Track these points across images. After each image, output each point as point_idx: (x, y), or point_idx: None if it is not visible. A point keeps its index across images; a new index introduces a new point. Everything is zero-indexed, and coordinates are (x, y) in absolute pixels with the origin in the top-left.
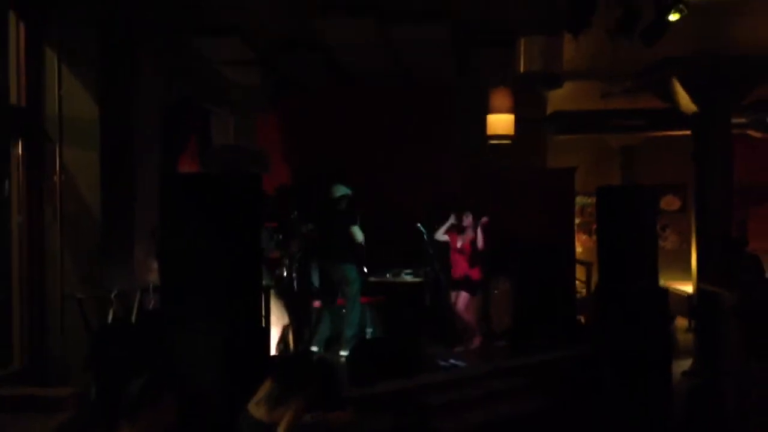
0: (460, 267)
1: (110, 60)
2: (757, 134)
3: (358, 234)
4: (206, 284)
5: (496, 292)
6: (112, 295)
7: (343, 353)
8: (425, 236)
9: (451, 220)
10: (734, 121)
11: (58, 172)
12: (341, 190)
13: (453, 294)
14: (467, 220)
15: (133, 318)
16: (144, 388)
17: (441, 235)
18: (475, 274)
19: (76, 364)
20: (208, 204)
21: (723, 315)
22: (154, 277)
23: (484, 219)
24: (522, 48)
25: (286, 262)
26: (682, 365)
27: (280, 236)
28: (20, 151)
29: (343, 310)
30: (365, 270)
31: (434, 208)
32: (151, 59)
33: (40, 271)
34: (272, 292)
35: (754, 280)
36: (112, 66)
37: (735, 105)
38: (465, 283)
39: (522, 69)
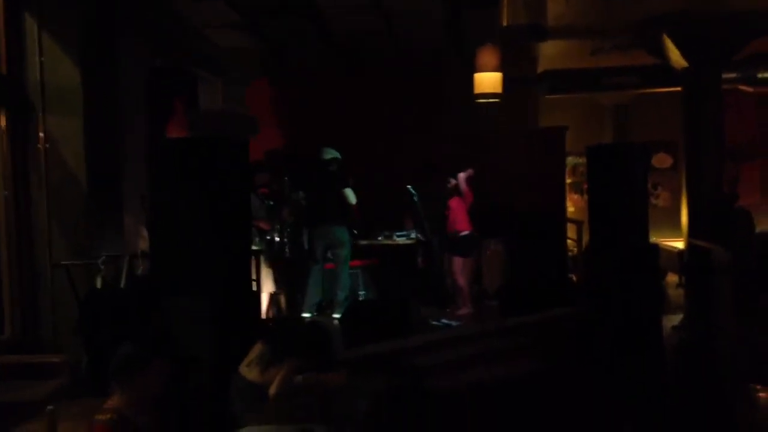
0: (449, 224)
1: (91, 25)
2: (749, 89)
3: (351, 196)
4: (196, 249)
5: (488, 252)
6: (100, 262)
7: (336, 316)
8: (415, 198)
9: (469, 172)
10: (725, 76)
11: (42, 141)
12: (330, 153)
13: (446, 256)
14: (454, 182)
15: (122, 283)
16: (133, 352)
17: (463, 176)
18: (463, 227)
19: (66, 331)
20: (196, 169)
21: (713, 270)
22: (143, 244)
23: (468, 172)
24: (505, 1)
25: (278, 227)
26: (672, 320)
27: (271, 203)
28: (3, 121)
29: (335, 273)
30: (355, 233)
31: (424, 170)
32: (133, 23)
33: (28, 240)
34: (263, 257)
35: (744, 235)
36: (93, 32)
37: (726, 60)
38: (455, 241)
39: (506, 22)
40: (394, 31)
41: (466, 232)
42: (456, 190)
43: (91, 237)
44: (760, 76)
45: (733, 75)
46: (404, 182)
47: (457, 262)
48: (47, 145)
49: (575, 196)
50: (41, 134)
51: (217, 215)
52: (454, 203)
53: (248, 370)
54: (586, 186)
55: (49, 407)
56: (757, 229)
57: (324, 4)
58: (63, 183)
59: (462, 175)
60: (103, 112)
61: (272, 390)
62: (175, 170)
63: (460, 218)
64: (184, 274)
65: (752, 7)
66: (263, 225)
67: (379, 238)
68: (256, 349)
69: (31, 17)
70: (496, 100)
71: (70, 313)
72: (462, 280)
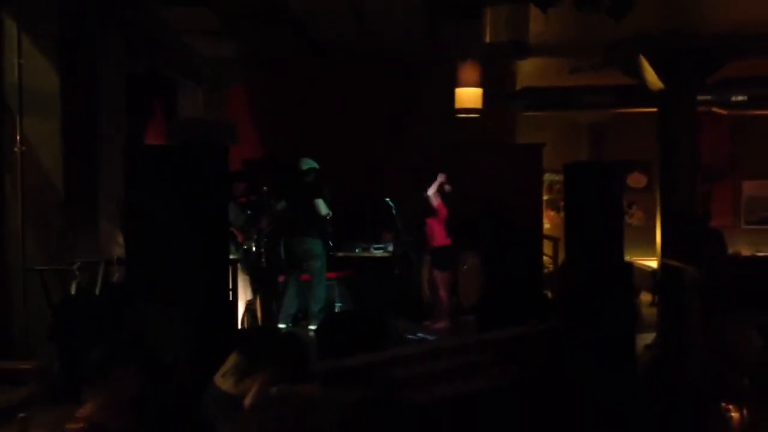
0: (428, 237)
1: (71, 29)
2: (722, 111)
3: (323, 208)
4: (172, 257)
5: (465, 267)
6: (75, 268)
7: (311, 327)
8: (394, 211)
9: (440, 179)
10: (699, 98)
11: (18, 145)
12: (308, 164)
13: (424, 269)
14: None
15: (97, 290)
16: (104, 358)
17: (431, 193)
18: (442, 240)
19: (39, 338)
20: (174, 176)
21: (684, 290)
22: (119, 250)
23: (439, 179)
24: (488, 18)
25: (255, 236)
26: (645, 338)
27: (249, 212)
28: None
29: (310, 285)
30: (330, 244)
31: (402, 182)
32: (113, 28)
33: (1, 245)
34: (239, 266)
35: (716, 255)
36: (73, 35)
37: (701, 83)
38: (436, 254)
39: (488, 39)
40: (375, 40)
41: (444, 245)
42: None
43: (66, 242)
44: (733, 99)
45: (707, 97)
46: (382, 193)
47: (438, 275)
48: (23, 149)
49: (551, 213)
50: (18, 137)
51: (194, 222)
52: (430, 218)
53: (223, 381)
54: (562, 203)
55: (21, 414)
56: (729, 250)
57: (304, 12)
58: (38, 187)
59: (430, 191)
60: (81, 116)
61: (247, 401)
62: (152, 176)
63: (437, 232)
64: (160, 281)
65: (727, 30)
66: (239, 235)
67: (357, 250)
68: (232, 359)
69: (10, 18)
70: (476, 115)
71: (43, 319)
72: (443, 294)
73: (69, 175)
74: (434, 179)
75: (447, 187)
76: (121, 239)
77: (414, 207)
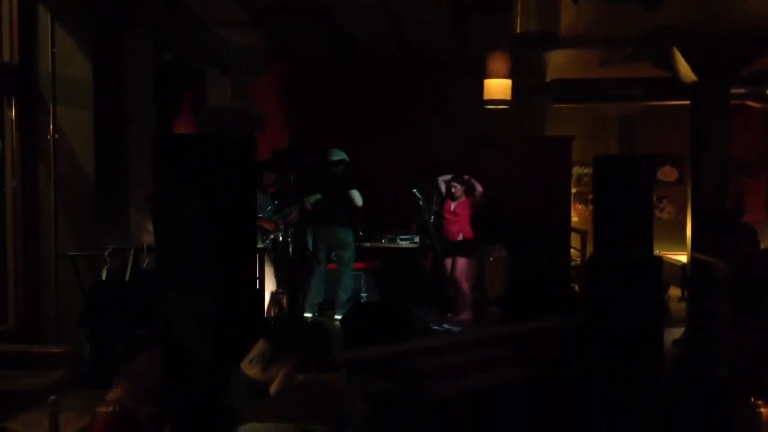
0: (454, 229)
1: (101, 19)
2: (757, 105)
3: (358, 198)
4: (200, 246)
5: (491, 259)
6: (106, 254)
7: (338, 317)
8: (421, 202)
9: (444, 179)
10: (733, 91)
11: (51, 133)
12: (338, 155)
13: (448, 261)
14: (458, 189)
15: (127, 276)
16: (130, 344)
17: (441, 183)
18: (468, 233)
19: (70, 323)
20: (202, 165)
21: (714, 285)
22: (149, 238)
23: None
24: (519, 8)
25: (282, 226)
26: (674, 333)
27: (276, 202)
28: (13, 112)
29: (338, 275)
30: (360, 234)
31: (430, 174)
32: (142, 18)
33: (34, 231)
34: (266, 256)
35: (748, 250)
36: (103, 25)
37: (734, 75)
38: (460, 246)
39: (519, 29)
40: (402, 32)
41: (466, 239)
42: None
43: (97, 229)
44: None
45: (741, 90)
46: (410, 185)
47: (461, 265)
48: (56, 137)
49: (579, 206)
50: (51, 126)
51: (222, 212)
52: (460, 209)
53: (250, 367)
54: (590, 196)
55: (52, 398)
56: (762, 245)
57: (332, 4)
58: (71, 175)
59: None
60: (112, 105)
61: (273, 387)
62: (179, 166)
63: (465, 224)
64: (188, 270)
65: (762, 23)
66: (267, 225)
67: (383, 241)
68: (258, 347)
69: (45, 8)
70: (506, 107)
71: (75, 304)
72: (466, 285)
73: (100, 164)
74: (461, 172)
75: (479, 189)
76: (150, 228)
77: (435, 196)
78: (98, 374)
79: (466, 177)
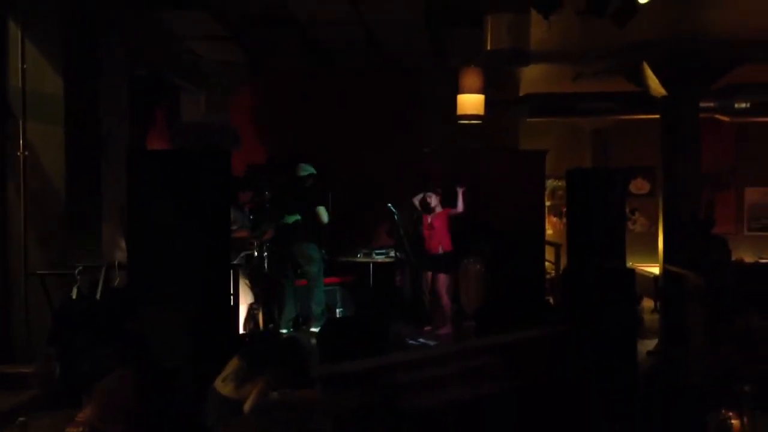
0: (433, 243)
1: (73, 34)
2: (725, 118)
3: (324, 215)
4: (174, 261)
5: (467, 272)
6: (77, 272)
7: (314, 329)
8: (396, 216)
9: (418, 198)
10: (703, 105)
11: (21, 148)
12: (306, 170)
13: (427, 275)
14: (434, 199)
15: (98, 295)
16: (101, 362)
17: (416, 201)
18: (447, 246)
19: (40, 342)
20: (177, 181)
21: (687, 296)
22: (122, 255)
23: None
24: (489, 26)
25: (257, 241)
26: (648, 345)
27: (251, 216)
28: None
29: (309, 289)
30: (323, 251)
31: (405, 188)
32: (115, 32)
33: (3, 249)
34: (241, 271)
35: (720, 262)
36: (76, 40)
37: (704, 90)
38: (438, 260)
39: (490, 47)
40: (377, 45)
41: (446, 251)
42: (426, 206)
43: (68, 246)
44: (736, 105)
45: (711, 104)
46: (385, 199)
47: (442, 279)
48: (26, 153)
49: (554, 219)
50: (21, 142)
51: (196, 227)
52: (438, 221)
53: (223, 385)
54: (564, 209)
55: (21, 418)
56: (734, 257)
57: (307, 18)
58: (41, 191)
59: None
60: (84, 120)
61: (247, 405)
62: (154, 181)
63: (444, 236)
64: (162, 286)
65: (731, 37)
66: (242, 234)
67: (359, 256)
68: (232, 364)
69: (15, 24)
70: (479, 121)
71: (45, 323)
72: (446, 299)
73: (71, 180)
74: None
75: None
76: (124, 244)
77: (414, 213)
78: (69, 394)
79: (458, 188)
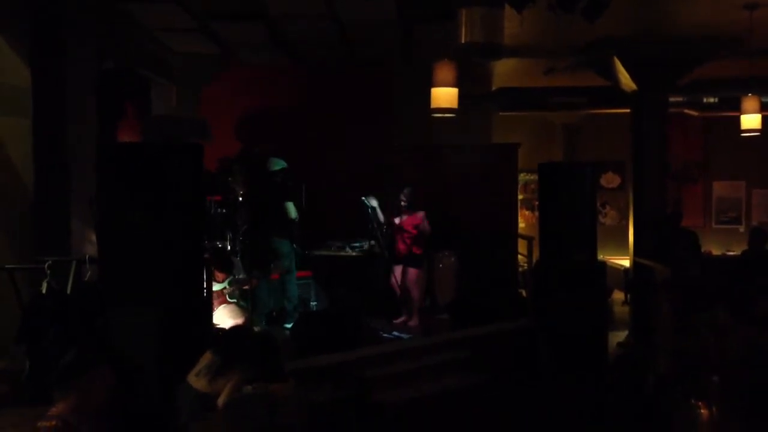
0: (401, 244)
1: (41, 26)
2: (694, 113)
3: (292, 211)
4: (146, 255)
5: (440, 266)
6: (46, 266)
7: (287, 326)
8: (369, 210)
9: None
10: (672, 99)
11: None
12: (278, 164)
13: (397, 268)
14: (404, 194)
15: (68, 290)
16: (75, 359)
17: (380, 215)
18: (417, 249)
19: (8, 338)
20: (148, 174)
21: (656, 288)
22: (92, 249)
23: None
24: (463, 19)
25: (230, 235)
26: (618, 336)
27: (223, 210)
28: None
29: (281, 284)
30: (294, 246)
31: (378, 182)
32: (84, 25)
33: None
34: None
35: (688, 255)
36: (44, 32)
37: (673, 85)
38: (408, 258)
39: (463, 40)
40: (349, 39)
41: (418, 253)
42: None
43: (37, 240)
44: (705, 100)
45: (679, 99)
46: (358, 192)
47: (411, 274)
48: None
49: (526, 212)
50: None
51: (168, 221)
52: (406, 224)
53: (196, 380)
54: (536, 202)
55: None
56: (702, 250)
57: (278, 12)
58: (8, 185)
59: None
60: (52, 113)
61: (221, 400)
62: (125, 175)
63: (414, 241)
64: (133, 281)
65: (699, 33)
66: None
67: (332, 249)
68: (205, 359)
69: None
70: (452, 115)
71: (14, 319)
72: (416, 292)
73: (40, 173)
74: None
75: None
76: (94, 237)
77: (389, 204)
78: (38, 391)
79: (419, 214)
